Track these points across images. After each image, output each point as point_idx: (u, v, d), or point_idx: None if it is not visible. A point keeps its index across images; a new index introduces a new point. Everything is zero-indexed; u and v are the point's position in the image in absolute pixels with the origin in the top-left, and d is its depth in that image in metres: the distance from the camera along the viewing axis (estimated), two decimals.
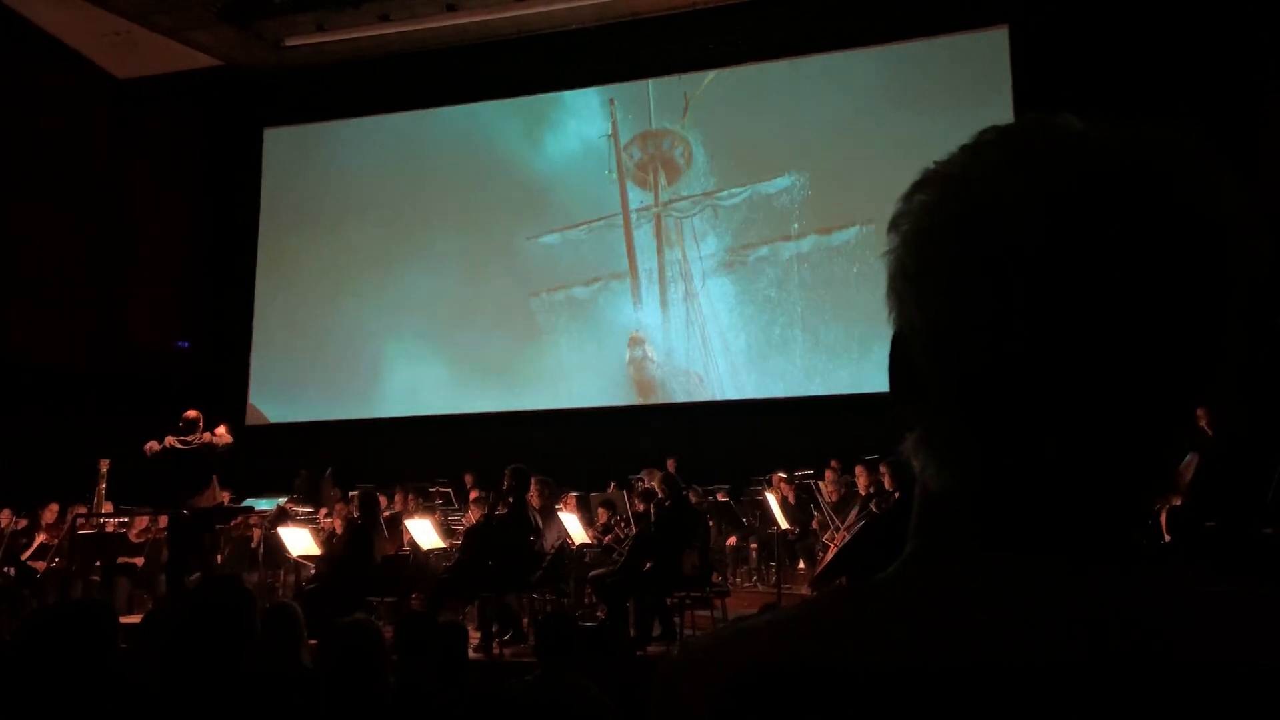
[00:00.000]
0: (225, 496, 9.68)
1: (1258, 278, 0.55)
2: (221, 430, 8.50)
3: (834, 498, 9.11)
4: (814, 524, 8.99)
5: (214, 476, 8.41)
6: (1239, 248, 0.54)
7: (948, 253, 0.56)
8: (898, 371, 0.61)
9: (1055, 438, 0.55)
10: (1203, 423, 6.73)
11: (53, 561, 9.34)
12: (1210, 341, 0.54)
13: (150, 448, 8.25)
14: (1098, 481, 0.55)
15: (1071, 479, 0.55)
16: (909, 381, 0.60)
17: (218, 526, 8.71)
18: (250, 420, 14.00)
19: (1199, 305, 0.54)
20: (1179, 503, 6.58)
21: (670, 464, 10.45)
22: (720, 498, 9.61)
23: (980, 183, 0.56)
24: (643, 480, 9.23)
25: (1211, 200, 0.54)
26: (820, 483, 9.54)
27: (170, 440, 8.25)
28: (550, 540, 7.54)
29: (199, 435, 8.30)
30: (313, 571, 8.09)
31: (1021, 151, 0.57)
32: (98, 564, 9.28)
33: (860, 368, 11.55)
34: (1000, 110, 10.82)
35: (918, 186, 0.60)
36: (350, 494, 9.86)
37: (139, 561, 9.35)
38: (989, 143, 0.58)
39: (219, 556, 8.62)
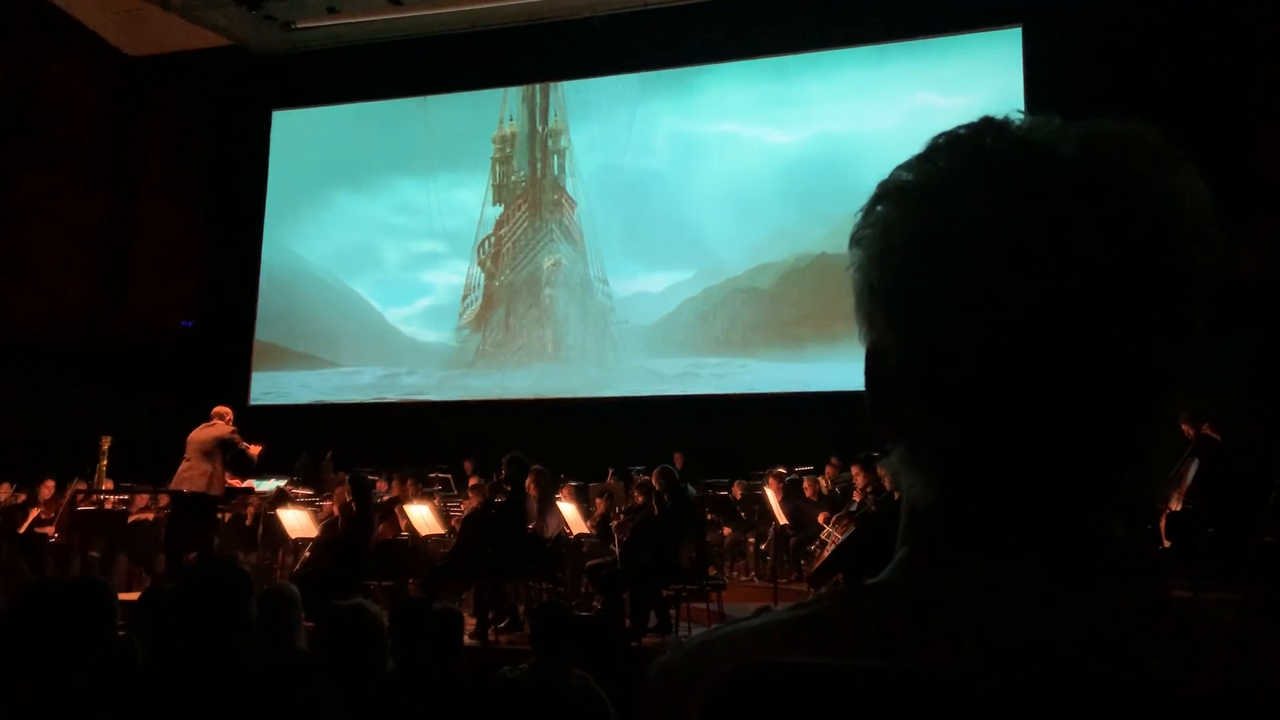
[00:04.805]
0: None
1: (1219, 267, 0.54)
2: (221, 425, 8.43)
3: (817, 494, 9.17)
4: (821, 519, 8.97)
5: (215, 464, 8.28)
6: (1197, 239, 0.54)
7: (912, 270, 0.56)
8: (875, 388, 0.60)
9: (1036, 445, 0.54)
10: (1206, 429, 6.72)
11: (52, 537, 9.35)
12: (1179, 339, 0.54)
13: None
14: (1080, 488, 0.55)
15: (1053, 486, 0.55)
16: (887, 398, 0.59)
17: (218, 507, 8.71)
18: (252, 401, 14.02)
19: (1164, 302, 0.53)
20: (1178, 508, 6.58)
21: (678, 459, 10.42)
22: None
23: (937, 194, 0.56)
24: (643, 473, 9.22)
25: (1166, 191, 0.54)
26: (820, 479, 9.53)
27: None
28: (549, 530, 7.55)
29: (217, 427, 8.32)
30: (307, 554, 8.09)
31: (973, 157, 0.56)
32: (100, 541, 9.28)
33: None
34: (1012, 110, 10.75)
35: (876, 199, 0.59)
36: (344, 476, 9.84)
37: (146, 536, 9.33)
38: (941, 148, 0.58)
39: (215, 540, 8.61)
